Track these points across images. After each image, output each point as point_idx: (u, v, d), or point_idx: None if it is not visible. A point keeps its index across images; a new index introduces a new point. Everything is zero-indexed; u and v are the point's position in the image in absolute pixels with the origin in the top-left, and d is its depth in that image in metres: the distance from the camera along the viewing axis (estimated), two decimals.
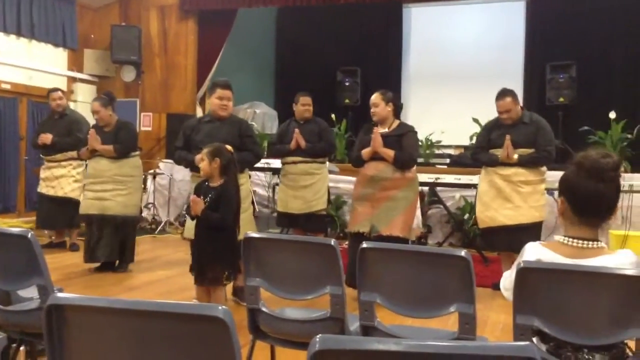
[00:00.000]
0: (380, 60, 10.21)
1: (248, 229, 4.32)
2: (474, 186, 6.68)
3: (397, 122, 4.70)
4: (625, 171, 6.93)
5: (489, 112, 8.49)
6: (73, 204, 6.42)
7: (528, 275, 1.89)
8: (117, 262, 5.58)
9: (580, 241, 1.92)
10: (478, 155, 5.19)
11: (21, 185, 9.02)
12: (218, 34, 9.52)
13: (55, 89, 6.78)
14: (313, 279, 2.28)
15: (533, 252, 1.97)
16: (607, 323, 1.84)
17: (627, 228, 6.44)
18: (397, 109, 4.76)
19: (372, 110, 4.68)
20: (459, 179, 6.37)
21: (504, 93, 5.00)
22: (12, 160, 8.85)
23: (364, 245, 2.12)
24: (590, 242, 1.92)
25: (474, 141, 8.50)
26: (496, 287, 4.23)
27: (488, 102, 9.04)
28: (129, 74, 9.71)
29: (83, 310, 1.19)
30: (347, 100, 9.88)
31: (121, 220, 5.49)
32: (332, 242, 2.22)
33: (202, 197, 3.47)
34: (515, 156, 4.84)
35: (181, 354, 1.18)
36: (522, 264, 1.91)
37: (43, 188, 6.62)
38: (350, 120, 9.17)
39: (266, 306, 2.38)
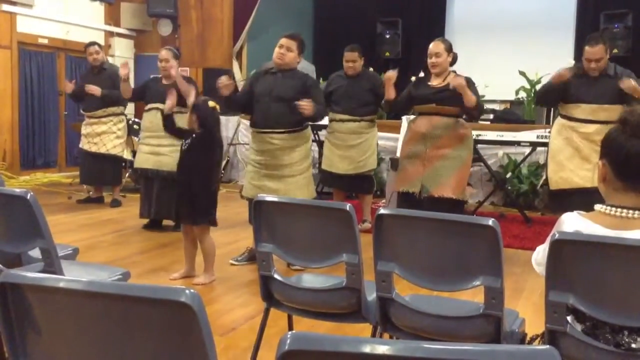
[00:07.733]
0: (422, 10, 9.78)
1: (305, 192, 4.18)
2: (518, 144, 6.36)
3: (452, 74, 4.37)
4: None
5: (537, 65, 8.11)
6: (116, 160, 6.45)
7: (563, 248, 1.69)
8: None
9: (625, 210, 1.68)
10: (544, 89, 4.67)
11: (61, 140, 9.10)
12: None
13: (92, 43, 6.59)
14: (328, 246, 2.11)
15: (571, 222, 1.75)
16: None
17: None
18: (454, 59, 4.43)
19: (432, 60, 4.30)
20: (502, 136, 6.05)
21: (596, 38, 4.33)
22: (52, 115, 8.91)
23: (381, 211, 1.93)
24: (637, 212, 1.68)
25: (519, 96, 8.14)
26: None
27: (537, 54, 8.64)
28: (165, 28, 9.57)
29: (38, 290, 1.05)
30: (387, 54, 9.53)
31: None
32: (348, 207, 2.04)
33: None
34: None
35: (145, 340, 1.04)
36: (556, 236, 1.70)
37: (85, 144, 6.54)
38: None
39: (279, 273, 2.23)
